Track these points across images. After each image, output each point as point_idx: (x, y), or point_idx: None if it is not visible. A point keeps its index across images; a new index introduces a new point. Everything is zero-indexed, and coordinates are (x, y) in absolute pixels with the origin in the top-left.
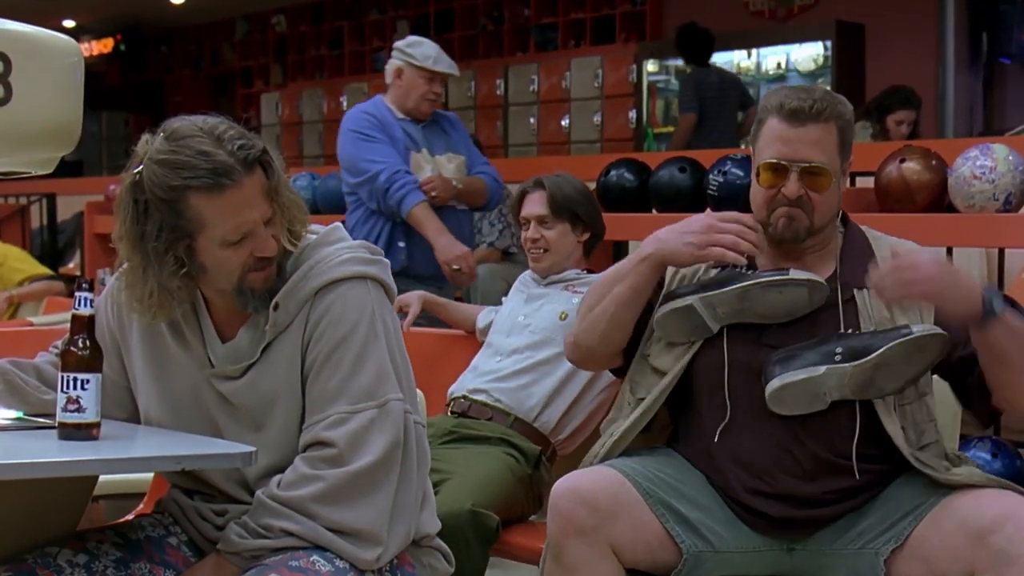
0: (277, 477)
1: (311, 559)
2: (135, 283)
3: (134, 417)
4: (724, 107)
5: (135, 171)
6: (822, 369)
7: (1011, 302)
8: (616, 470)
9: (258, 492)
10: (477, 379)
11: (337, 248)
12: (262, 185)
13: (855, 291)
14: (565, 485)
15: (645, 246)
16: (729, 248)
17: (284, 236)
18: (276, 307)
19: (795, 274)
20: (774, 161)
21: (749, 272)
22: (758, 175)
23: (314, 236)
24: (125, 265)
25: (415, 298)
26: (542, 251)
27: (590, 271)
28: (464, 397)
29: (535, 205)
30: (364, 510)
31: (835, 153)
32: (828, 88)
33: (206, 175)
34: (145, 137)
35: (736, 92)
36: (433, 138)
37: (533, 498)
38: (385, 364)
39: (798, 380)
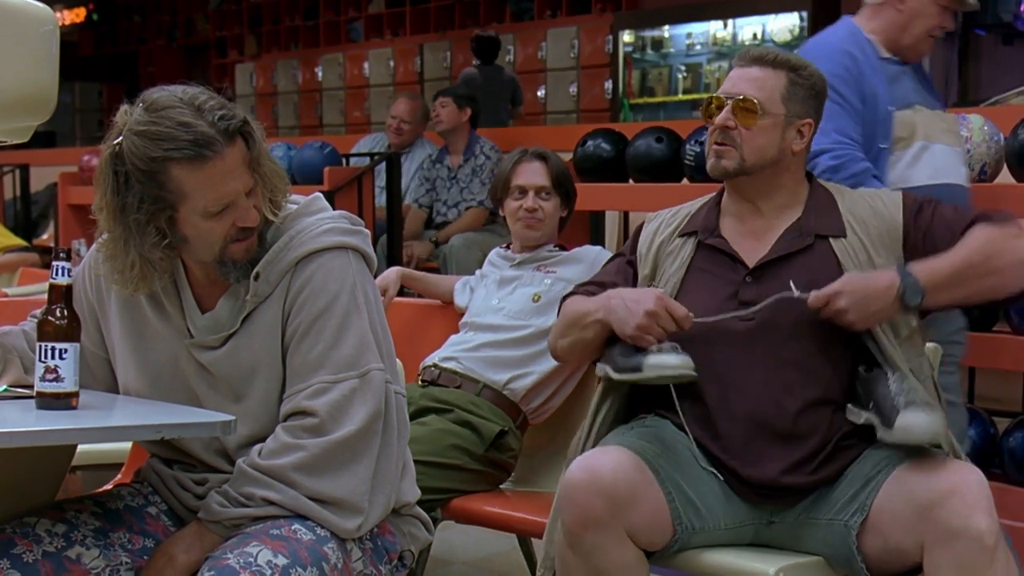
0: (258, 446)
1: (292, 528)
2: (116, 255)
3: (112, 388)
4: (495, 99)
5: (114, 142)
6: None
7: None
8: (633, 451)
9: (239, 461)
10: (448, 349)
11: (318, 218)
12: (243, 155)
13: (831, 239)
14: (582, 474)
15: (599, 308)
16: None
17: (265, 206)
18: (257, 277)
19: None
20: (713, 96)
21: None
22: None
23: (294, 206)
24: (105, 236)
25: (393, 277)
26: (538, 221)
27: (562, 247)
28: (435, 366)
29: (536, 175)
30: (345, 480)
31: (776, 97)
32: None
33: (187, 146)
34: (124, 108)
35: (507, 90)
36: (923, 87)
37: (497, 470)
38: (366, 334)
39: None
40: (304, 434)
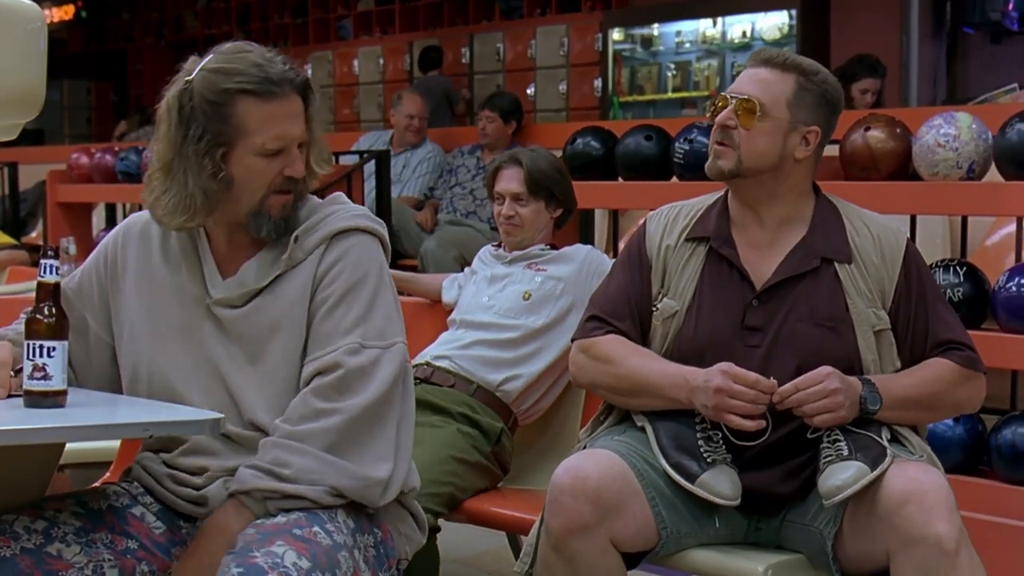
0: (287, 414)
1: (313, 529)
2: (172, 187)
3: (108, 375)
4: (432, 103)
5: (186, 79)
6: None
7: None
8: (621, 457)
9: (265, 441)
10: (440, 347)
11: (349, 206)
12: (303, 109)
13: (836, 264)
14: (568, 477)
15: (676, 387)
16: (743, 415)
17: (313, 163)
18: (296, 240)
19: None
20: (720, 94)
21: (704, 453)
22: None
23: (319, 201)
24: (157, 170)
25: None
26: (516, 227)
27: (553, 247)
28: (427, 364)
29: (511, 182)
30: (373, 446)
31: (782, 101)
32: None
33: (259, 81)
34: (193, 57)
35: (442, 95)
36: None
37: (499, 468)
38: (392, 310)
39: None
40: (333, 394)
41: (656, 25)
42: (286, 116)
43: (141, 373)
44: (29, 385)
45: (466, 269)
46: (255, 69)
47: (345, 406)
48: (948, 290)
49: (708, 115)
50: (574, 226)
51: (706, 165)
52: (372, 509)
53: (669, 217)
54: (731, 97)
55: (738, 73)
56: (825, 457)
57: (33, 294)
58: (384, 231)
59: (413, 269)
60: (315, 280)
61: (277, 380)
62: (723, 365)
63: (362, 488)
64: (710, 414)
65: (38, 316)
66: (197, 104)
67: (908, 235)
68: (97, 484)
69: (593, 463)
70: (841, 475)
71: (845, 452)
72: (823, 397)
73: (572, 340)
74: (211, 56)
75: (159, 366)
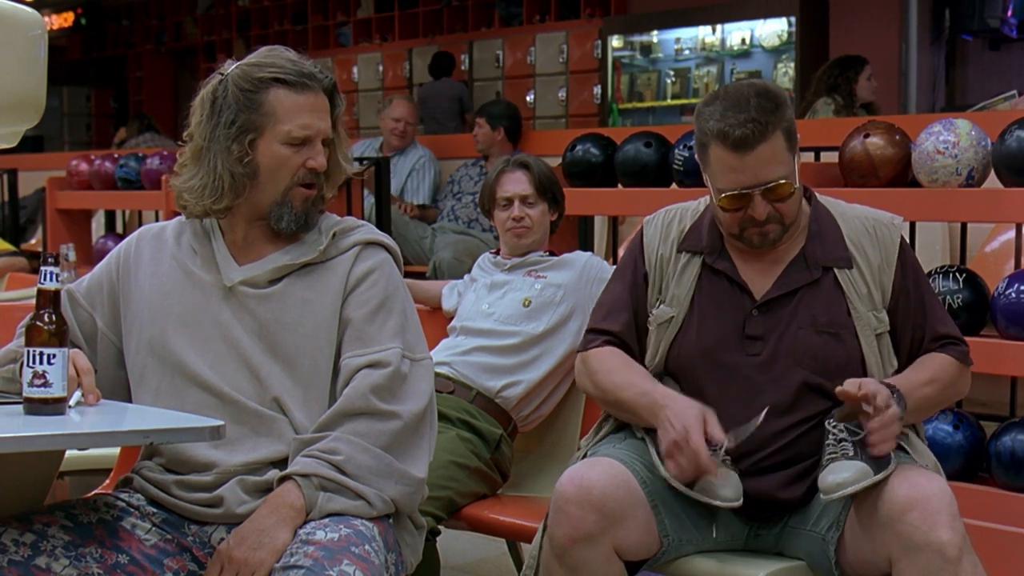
0: (342, 406)
1: (366, 548)
2: (201, 171)
3: (113, 377)
4: (443, 108)
5: (220, 74)
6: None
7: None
8: (624, 465)
9: (327, 443)
10: (440, 354)
11: (369, 224)
12: (329, 109)
13: (835, 270)
14: (573, 486)
15: (649, 409)
16: (677, 472)
17: (340, 159)
18: (334, 236)
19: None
20: (735, 192)
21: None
22: (719, 202)
23: (338, 217)
24: (187, 156)
25: None
26: (526, 229)
27: (552, 253)
28: None
29: (520, 184)
30: (417, 456)
31: (787, 155)
32: (759, 84)
33: (292, 73)
34: (229, 60)
35: (455, 100)
36: None
37: (498, 475)
38: (420, 329)
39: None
40: (389, 396)
41: (655, 32)
42: (314, 109)
43: (152, 355)
44: (29, 392)
45: (465, 276)
46: (289, 64)
47: (404, 411)
48: (947, 297)
49: (720, 205)
50: (573, 233)
51: (757, 244)
52: (391, 524)
53: (664, 224)
54: (754, 191)
55: (739, 79)
56: (829, 454)
57: (32, 301)
58: (399, 254)
59: (416, 276)
60: (348, 279)
61: (301, 361)
62: (696, 414)
63: (410, 494)
64: (663, 451)
65: (38, 323)
66: (231, 93)
67: (900, 223)
68: (89, 495)
69: (597, 472)
70: (843, 473)
71: (851, 452)
72: (892, 423)
73: (578, 351)
74: (247, 56)
75: (172, 347)
